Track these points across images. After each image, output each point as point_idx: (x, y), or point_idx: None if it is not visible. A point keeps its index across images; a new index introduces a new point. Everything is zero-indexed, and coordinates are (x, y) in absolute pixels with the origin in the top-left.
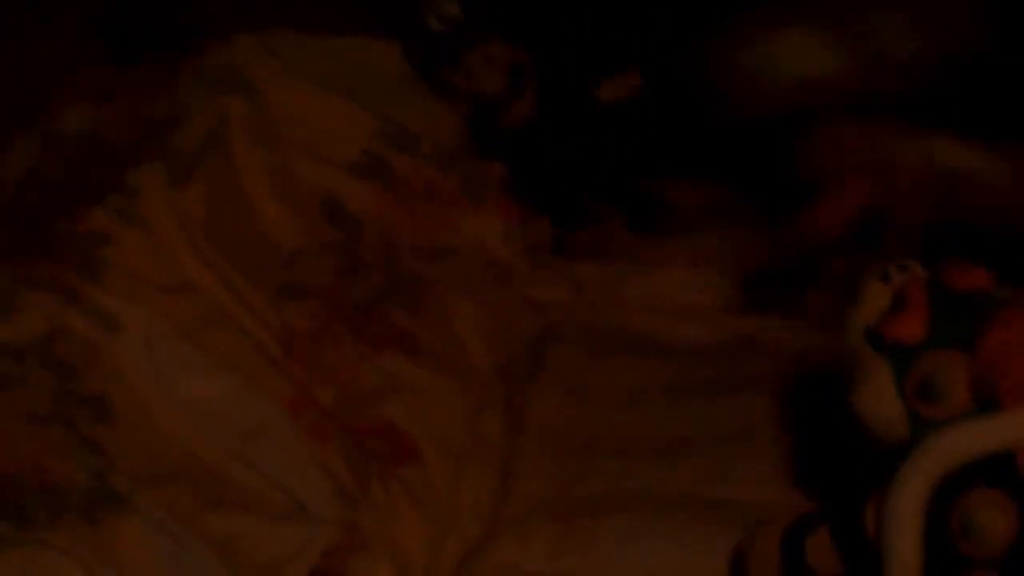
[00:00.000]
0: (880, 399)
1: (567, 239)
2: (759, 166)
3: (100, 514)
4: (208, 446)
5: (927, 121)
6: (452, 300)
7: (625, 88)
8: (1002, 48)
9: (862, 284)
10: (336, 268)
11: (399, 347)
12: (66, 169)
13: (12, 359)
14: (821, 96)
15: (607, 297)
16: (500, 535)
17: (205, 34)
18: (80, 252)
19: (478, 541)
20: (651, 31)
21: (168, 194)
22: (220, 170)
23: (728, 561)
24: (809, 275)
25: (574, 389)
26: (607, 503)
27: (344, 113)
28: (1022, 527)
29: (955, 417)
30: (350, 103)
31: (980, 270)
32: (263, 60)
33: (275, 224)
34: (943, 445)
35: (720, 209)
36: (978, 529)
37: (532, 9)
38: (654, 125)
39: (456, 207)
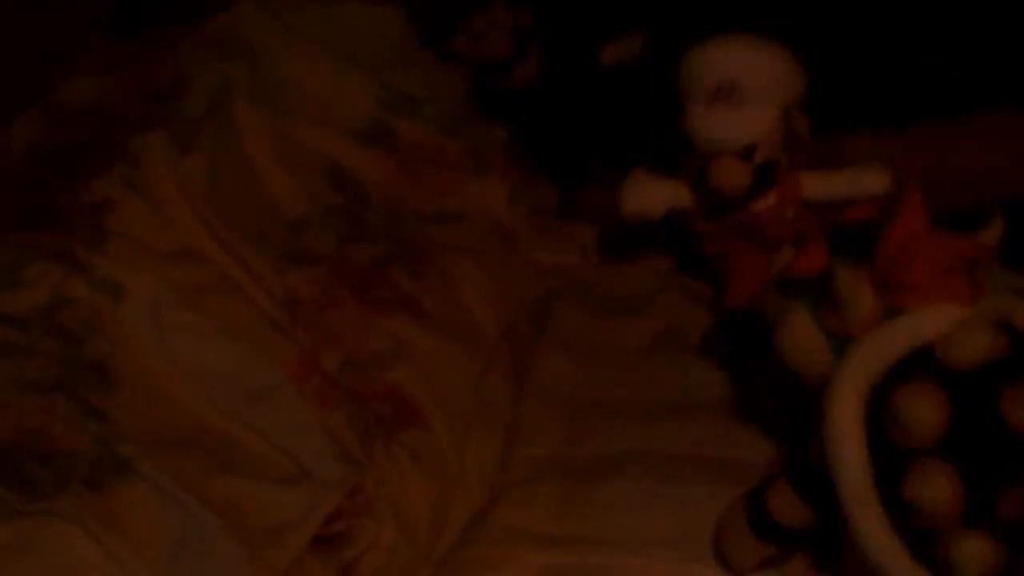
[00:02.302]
0: (798, 333)
1: (572, 202)
2: None
3: (105, 481)
4: (213, 412)
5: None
6: (457, 264)
7: (629, 50)
8: None
9: None
10: (340, 234)
11: (404, 311)
12: (71, 140)
13: (17, 328)
14: None
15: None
16: (505, 497)
17: (209, 2)
18: (84, 221)
19: (483, 503)
20: None
21: (172, 162)
22: (224, 137)
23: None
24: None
25: (579, 351)
26: (612, 465)
27: (347, 79)
28: (954, 411)
29: (870, 326)
30: (353, 69)
31: (870, 206)
32: (266, 26)
33: (279, 190)
34: (864, 353)
35: None
36: (909, 420)
37: None
38: (658, 87)
39: (461, 171)
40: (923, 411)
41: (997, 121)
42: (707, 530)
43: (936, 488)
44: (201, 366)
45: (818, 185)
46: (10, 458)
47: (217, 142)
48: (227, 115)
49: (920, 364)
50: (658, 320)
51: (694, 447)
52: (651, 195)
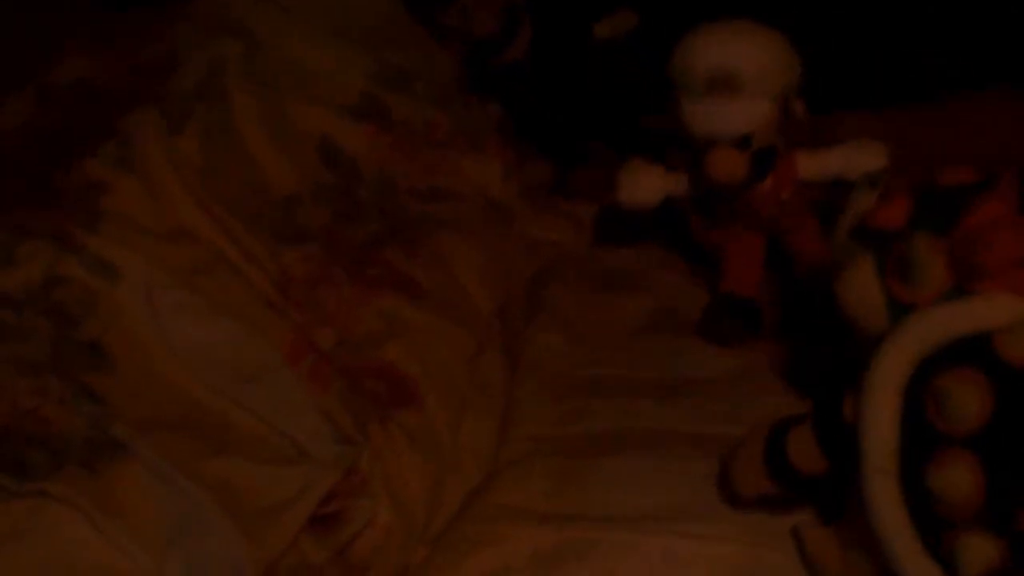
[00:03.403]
0: (861, 285)
1: (566, 179)
2: None
3: (100, 462)
4: (207, 392)
5: None
6: (450, 242)
7: (621, 26)
8: None
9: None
10: (334, 211)
11: (398, 290)
12: (62, 119)
13: (10, 308)
14: None
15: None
16: (500, 476)
17: None
18: (77, 201)
19: (479, 482)
20: None
21: (164, 141)
22: (216, 115)
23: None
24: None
25: (573, 329)
26: (608, 442)
27: (339, 55)
28: (997, 407)
29: (933, 300)
30: (346, 44)
31: (968, 168)
32: (259, 3)
33: (271, 168)
34: (921, 325)
35: None
36: (953, 407)
37: None
38: (651, 62)
39: (454, 149)
40: (969, 400)
41: (997, 100)
42: (703, 507)
43: (960, 479)
44: (195, 346)
45: (813, 165)
46: (3, 440)
47: (209, 120)
48: (219, 93)
49: (973, 350)
50: (653, 298)
51: (690, 424)
52: (647, 184)
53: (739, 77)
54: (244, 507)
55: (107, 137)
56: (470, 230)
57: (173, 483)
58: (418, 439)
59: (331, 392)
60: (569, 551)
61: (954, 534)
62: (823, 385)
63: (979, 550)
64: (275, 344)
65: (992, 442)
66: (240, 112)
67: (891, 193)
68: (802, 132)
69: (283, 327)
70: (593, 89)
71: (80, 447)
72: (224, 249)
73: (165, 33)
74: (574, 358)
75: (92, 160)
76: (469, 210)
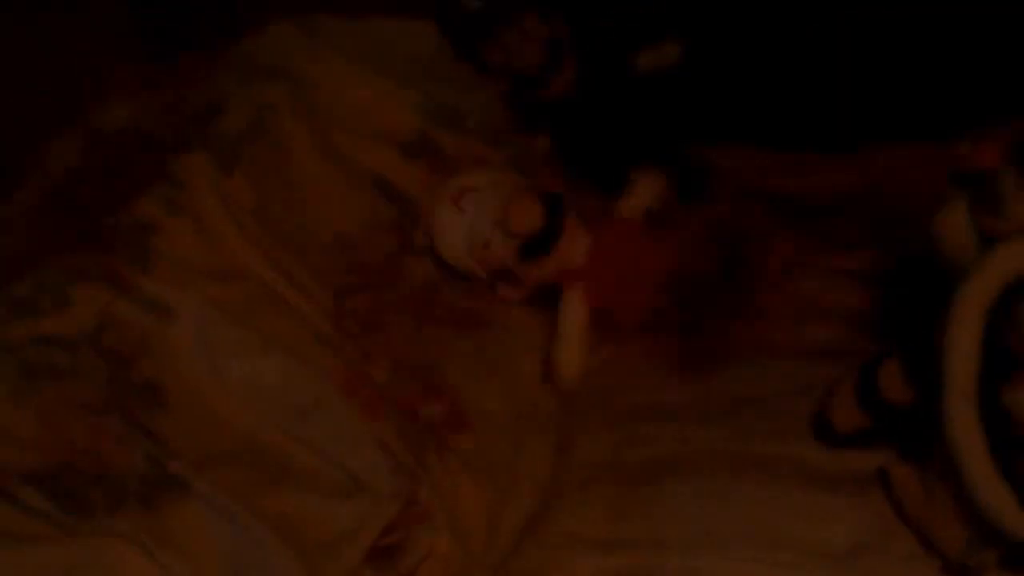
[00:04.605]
0: (954, 220)
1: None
2: None
3: (158, 499)
4: (263, 427)
5: None
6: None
7: (664, 57)
8: None
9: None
10: (389, 248)
11: (457, 322)
12: (111, 163)
13: (66, 350)
14: None
15: None
16: (559, 503)
17: (241, 24)
18: (129, 242)
19: (537, 510)
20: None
21: (214, 181)
22: (268, 155)
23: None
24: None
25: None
26: (664, 467)
27: (389, 93)
28: None
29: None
30: (394, 83)
31: None
32: (303, 45)
33: (327, 205)
34: (1006, 255)
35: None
36: None
37: None
38: (695, 93)
39: None
40: None
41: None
42: (761, 529)
43: None
44: (250, 382)
45: None
46: (63, 478)
47: (261, 160)
48: (271, 134)
49: None
50: None
51: (745, 446)
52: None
53: None
54: (304, 540)
55: (156, 179)
56: None
57: (232, 518)
58: (474, 465)
59: (387, 423)
60: None
61: None
62: (911, 323)
63: None
64: (329, 377)
65: None
66: (294, 151)
67: (985, 139)
68: None
69: (337, 361)
70: (637, 120)
71: (138, 485)
72: (277, 286)
73: (210, 78)
74: (624, 385)
75: (142, 202)
76: None
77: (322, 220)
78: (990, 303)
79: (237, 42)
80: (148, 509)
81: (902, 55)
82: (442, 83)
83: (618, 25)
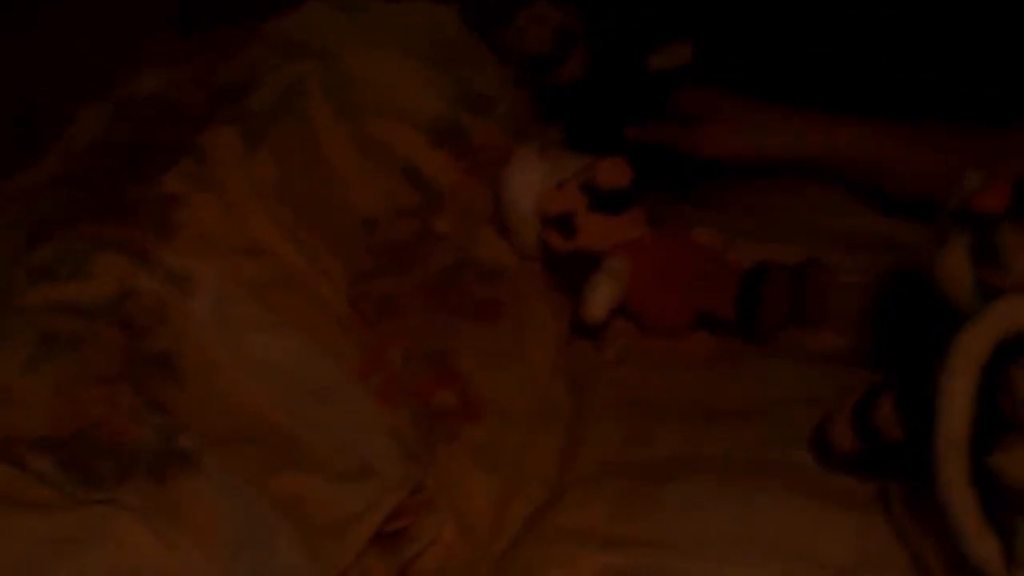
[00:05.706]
0: (953, 263)
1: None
2: None
3: (168, 473)
4: (276, 407)
5: None
6: (525, 264)
7: (675, 59)
8: None
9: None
10: (409, 233)
11: (475, 311)
12: (138, 133)
13: (84, 319)
14: None
15: None
16: (565, 498)
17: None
18: (153, 214)
19: (543, 503)
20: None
21: (241, 157)
22: (295, 134)
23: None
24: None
25: (634, 354)
26: (672, 468)
27: (421, 76)
28: None
29: (1019, 288)
30: (427, 66)
31: None
32: (340, 25)
33: (352, 187)
34: (1004, 311)
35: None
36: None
37: None
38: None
39: None
40: None
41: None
42: (769, 534)
43: (1021, 469)
44: (265, 361)
45: None
46: (73, 449)
47: (288, 138)
48: (299, 112)
49: None
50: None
51: (756, 449)
52: None
53: None
54: (310, 522)
55: (183, 153)
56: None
57: (239, 496)
58: (484, 458)
59: (400, 410)
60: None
61: (1013, 518)
62: (909, 359)
63: None
64: (345, 361)
65: None
66: (323, 131)
67: (995, 180)
68: None
69: (354, 345)
70: (646, 119)
71: (148, 458)
72: (298, 265)
73: (242, 53)
74: (635, 383)
75: (168, 175)
76: None
77: (345, 201)
78: (985, 359)
79: (271, 18)
80: (156, 482)
81: (916, 53)
82: (473, 69)
83: (632, 23)
